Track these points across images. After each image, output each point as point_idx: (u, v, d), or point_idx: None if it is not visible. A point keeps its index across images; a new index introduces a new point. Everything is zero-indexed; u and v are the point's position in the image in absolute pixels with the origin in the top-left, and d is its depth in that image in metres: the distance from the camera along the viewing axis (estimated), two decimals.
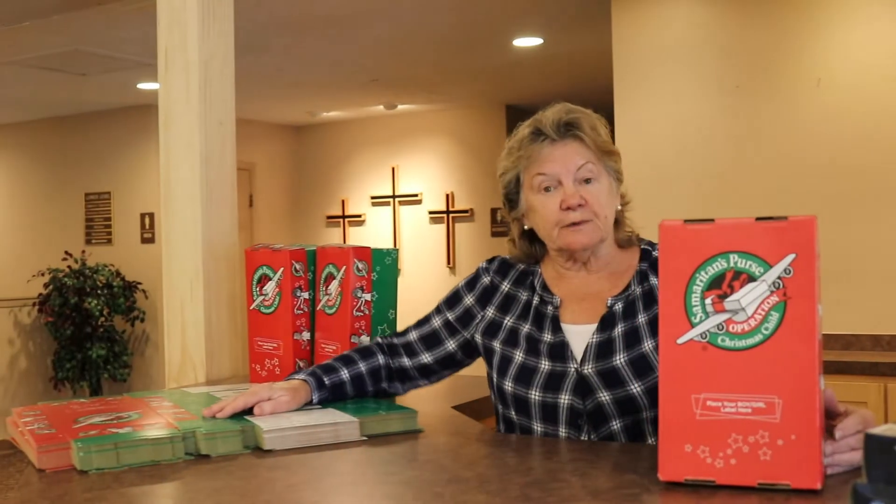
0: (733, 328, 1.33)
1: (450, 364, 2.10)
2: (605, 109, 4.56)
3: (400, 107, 9.27)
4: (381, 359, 2.07)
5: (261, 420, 1.76)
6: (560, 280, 1.99)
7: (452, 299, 2.10)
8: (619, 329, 1.87)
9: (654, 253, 1.96)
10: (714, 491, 1.31)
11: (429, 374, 2.11)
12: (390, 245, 9.46)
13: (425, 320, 2.12)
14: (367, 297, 2.31)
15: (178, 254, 2.78)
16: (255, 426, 1.72)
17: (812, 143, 4.52)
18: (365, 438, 1.78)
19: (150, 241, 8.89)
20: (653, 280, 1.92)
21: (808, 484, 1.28)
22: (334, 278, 2.35)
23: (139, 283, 8.75)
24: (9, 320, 8.45)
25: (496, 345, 1.98)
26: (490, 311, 2.03)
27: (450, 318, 2.08)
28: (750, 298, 1.32)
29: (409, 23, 6.00)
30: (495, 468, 1.57)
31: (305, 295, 2.48)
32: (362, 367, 2.03)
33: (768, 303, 1.31)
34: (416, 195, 9.69)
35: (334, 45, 6.59)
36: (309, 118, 9.97)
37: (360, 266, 2.31)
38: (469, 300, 2.07)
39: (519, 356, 1.92)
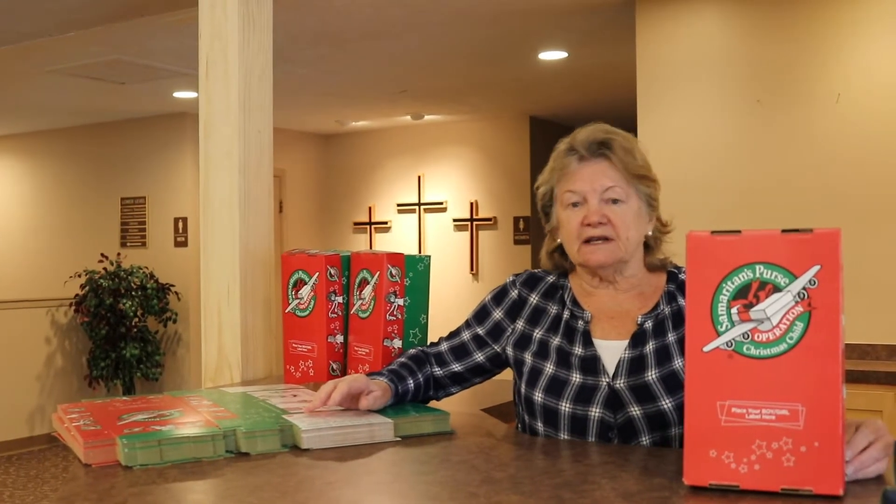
0: (759, 337, 1.36)
1: (479, 372, 2.12)
2: (629, 122, 4.59)
3: (427, 117, 9.32)
4: (429, 368, 2.12)
5: (299, 420, 1.80)
6: (589, 296, 2.01)
7: (481, 314, 2.12)
8: (650, 346, 1.89)
9: (680, 276, 1.99)
10: (739, 496, 1.35)
11: (460, 381, 2.13)
12: (415, 251, 9.50)
13: (455, 333, 2.15)
14: (400, 301, 2.36)
15: (216, 258, 2.83)
16: (294, 426, 1.77)
17: (832, 157, 4.56)
18: (398, 439, 1.82)
19: (184, 244, 9.02)
20: (681, 301, 1.94)
21: (831, 490, 1.31)
22: (368, 283, 2.40)
23: (172, 286, 8.90)
24: (46, 320, 8.60)
25: (527, 356, 1.99)
26: (520, 324, 2.05)
27: (479, 332, 2.10)
28: (775, 308, 1.35)
29: (438, 36, 6.06)
30: (527, 469, 1.60)
31: (340, 299, 2.53)
32: (420, 377, 2.07)
33: (793, 313, 1.35)
34: (441, 203, 9.74)
35: (365, 58, 6.66)
36: (338, 127, 10.04)
37: (394, 272, 2.35)
38: (498, 314, 2.09)
39: (549, 368, 1.94)
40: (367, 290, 2.39)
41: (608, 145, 1.95)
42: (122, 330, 8.55)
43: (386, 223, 10.13)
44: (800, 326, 1.34)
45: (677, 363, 1.86)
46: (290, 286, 2.59)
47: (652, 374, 1.85)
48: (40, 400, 8.41)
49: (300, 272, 2.56)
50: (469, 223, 9.54)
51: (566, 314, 2.00)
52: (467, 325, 2.14)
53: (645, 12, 5.07)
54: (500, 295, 2.11)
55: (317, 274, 2.52)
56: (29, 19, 5.44)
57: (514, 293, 2.09)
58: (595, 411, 1.86)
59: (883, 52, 4.46)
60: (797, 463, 1.33)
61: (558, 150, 2.01)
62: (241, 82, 2.80)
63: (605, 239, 1.91)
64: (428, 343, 2.23)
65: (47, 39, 5.91)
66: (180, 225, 9.08)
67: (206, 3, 2.88)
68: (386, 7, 5.33)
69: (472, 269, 9.49)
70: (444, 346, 2.14)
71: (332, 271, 2.52)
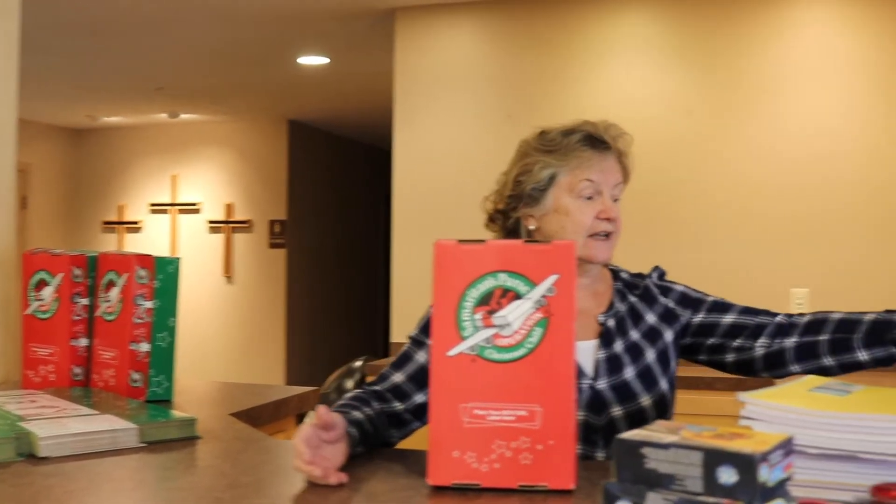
0: (500, 342, 1.43)
1: None
2: (387, 131, 4.63)
3: (183, 116, 9.11)
4: (377, 405, 1.80)
5: (37, 427, 1.73)
6: None
7: (429, 328, 1.85)
8: (619, 345, 1.89)
9: (621, 274, 2.00)
10: (479, 493, 1.41)
11: (422, 414, 1.84)
12: (167, 253, 9.26)
13: (405, 359, 1.89)
14: (149, 304, 2.30)
15: None
16: (31, 433, 1.69)
17: None
18: (143, 445, 1.78)
19: None
20: (631, 298, 1.96)
21: (564, 484, 1.40)
22: (115, 285, 2.33)
23: None
24: None
25: None
26: None
27: None
28: (516, 314, 1.43)
29: (197, 34, 5.94)
30: (272, 474, 1.60)
31: (84, 301, 2.44)
32: (371, 411, 1.75)
33: (533, 319, 1.42)
34: (195, 204, 9.55)
35: (120, 51, 6.44)
36: (89, 122, 9.64)
37: (143, 273, 2.30)
38: None
39: None
40: (114, 292, 2.33)
41: (624, 142, 1.97)
42: None
43: (137, 223, 9.82)
44: (538, 332, 1.42)
45: (649, 357, 1.88)
46: (32, 287, 2.48)
47: (630, 373, 1.86)
48: None
49: (43, 272, 2.46)
50: (224, 225, 9.41)
51: None
52: (417, 343, 1.92)
53: (404, 22, 5.16)
54: None
55: (61, 275, 2.43)
56: None
57: None
58: (580, 415, 1.82)
59: (628, 71, 4.74)
60: (534, 460, 1.41)
61: (571, 137, 1.95)
62: None
63: (611, 235, 1.92)
64: (373, 381, 1.90)
65: None
66: None
67: None
68: (143, 0, 5.18)
69: (225, 272, 9.36)
70: (398, 378, 1.87)
71: (78, 272, 2.44)
